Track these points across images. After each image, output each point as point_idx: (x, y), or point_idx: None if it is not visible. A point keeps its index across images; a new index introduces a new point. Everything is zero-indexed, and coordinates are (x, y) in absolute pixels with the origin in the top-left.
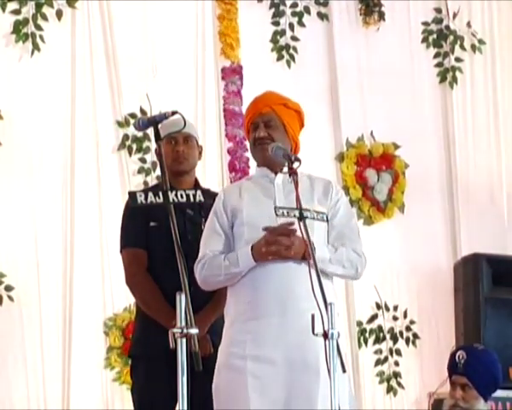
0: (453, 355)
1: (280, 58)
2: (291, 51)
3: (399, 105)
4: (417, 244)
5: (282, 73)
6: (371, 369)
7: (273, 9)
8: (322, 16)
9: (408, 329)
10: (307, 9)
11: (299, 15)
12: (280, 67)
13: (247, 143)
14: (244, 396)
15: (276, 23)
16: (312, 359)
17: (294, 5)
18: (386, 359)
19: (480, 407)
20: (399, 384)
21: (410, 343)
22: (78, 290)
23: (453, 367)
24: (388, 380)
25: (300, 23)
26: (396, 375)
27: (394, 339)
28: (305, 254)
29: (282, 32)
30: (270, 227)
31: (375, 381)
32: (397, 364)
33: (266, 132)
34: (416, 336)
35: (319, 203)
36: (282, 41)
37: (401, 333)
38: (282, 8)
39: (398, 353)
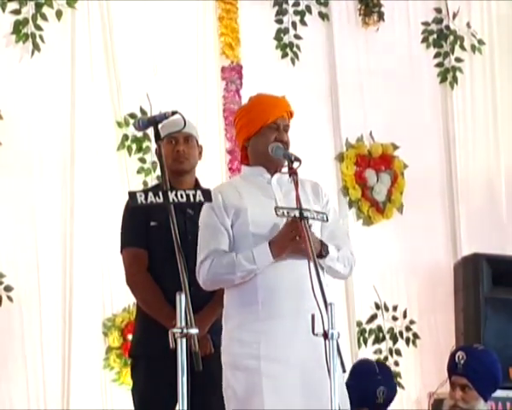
0: (453, 356)
1: (284, 56)
2: (294, 49)
3: (399, 105)
4: (417, 244)
5: (283, 72)
6: None
7: (276, 8)
8: (323, 16)
9: (408, 329)
10: (309, 8)
11: (301, 14)
12: (281, 66)
13: None
14: (259, 397)
15: (280, 21)
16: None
17: (296, 4)
18: (386, 359)
19: (480, 408)
20: (399, 384)
21: (410, 343)
22: (78, 291)
23: (453, 368)
24: None
25: (302, 22)
26: (396, 375)
27: (394, 339)
28: (321, 252)
29: (286, 31)
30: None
31: None
32: (397, 364)
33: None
34: (416, 336)
35: (314, 204)
36: (286, 39)
37: (401, 333)
38: (284, 6)
39: (398, 353)
